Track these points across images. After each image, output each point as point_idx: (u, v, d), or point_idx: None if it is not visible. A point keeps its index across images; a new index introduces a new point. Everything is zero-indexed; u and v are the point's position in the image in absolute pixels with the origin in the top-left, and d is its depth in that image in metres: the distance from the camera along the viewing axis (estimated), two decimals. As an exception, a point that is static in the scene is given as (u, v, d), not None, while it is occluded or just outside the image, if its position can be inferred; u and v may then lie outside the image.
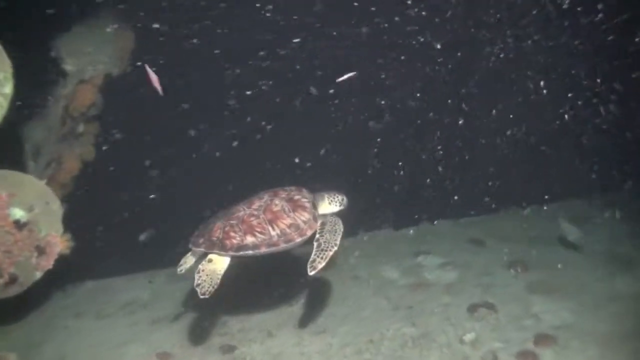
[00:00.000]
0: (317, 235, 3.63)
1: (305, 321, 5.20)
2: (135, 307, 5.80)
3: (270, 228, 3.62)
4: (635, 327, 4.59)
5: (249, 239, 3.58)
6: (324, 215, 3.87)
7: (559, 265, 5.97)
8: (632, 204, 7.54)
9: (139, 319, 5.52)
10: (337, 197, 3.97)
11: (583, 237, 6.47)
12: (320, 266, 3.39)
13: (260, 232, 3.60)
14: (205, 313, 5.37)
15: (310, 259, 3.44)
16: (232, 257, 3.65)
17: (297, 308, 5.50)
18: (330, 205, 3.93)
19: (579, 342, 4.38)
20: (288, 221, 3.66)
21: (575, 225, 6.51)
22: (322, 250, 3.45)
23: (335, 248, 3.50)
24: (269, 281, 5.84)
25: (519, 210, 7.99)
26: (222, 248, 3.56)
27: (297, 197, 3.83)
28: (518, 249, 6.57)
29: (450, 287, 5.74)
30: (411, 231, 7.60)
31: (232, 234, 3.59)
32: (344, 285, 5.97)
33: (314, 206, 3.84)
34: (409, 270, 6.26)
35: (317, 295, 5.76)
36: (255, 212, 3.69)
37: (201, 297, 3.45)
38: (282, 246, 3.64)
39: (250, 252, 3.59)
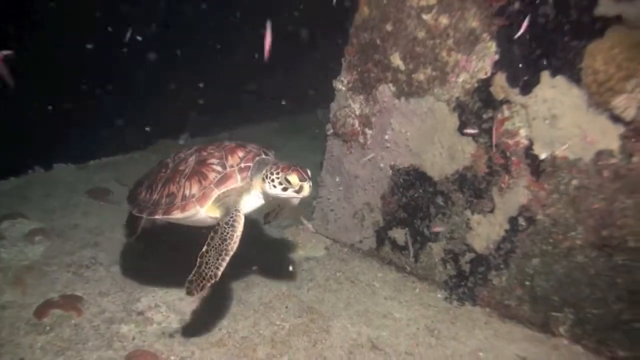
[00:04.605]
0: (205, 246, 2.63)
1: None
2: None
3: (158, 190, 2.91)
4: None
5: (142, 194, 3.07)
6: (259, 195, 2.81)
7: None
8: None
9: None
10: (278, 173, 2.64)
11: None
12: (196, 293, 2.56)
13: (150, 193, 2.97)
14: None
15: (188, 278, 2.61)
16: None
17: None
18: (264, 182, 2.71)
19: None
20: (172, 189, 2.81)
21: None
22: (199, 274, 2.57)
23: (215, 280, 2.54)
24: None
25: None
26: (131, 198, 3.24)
27: (212, 160, 2.79)
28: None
29: (28, 270, 3.71)
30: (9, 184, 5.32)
31: (139, 188, 3.22)
32: None
33: (222, 181, 2.71)
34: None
35: None
36: (171, 164, 3.03)
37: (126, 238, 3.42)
38: (144, 216, 3.00)
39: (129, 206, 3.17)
